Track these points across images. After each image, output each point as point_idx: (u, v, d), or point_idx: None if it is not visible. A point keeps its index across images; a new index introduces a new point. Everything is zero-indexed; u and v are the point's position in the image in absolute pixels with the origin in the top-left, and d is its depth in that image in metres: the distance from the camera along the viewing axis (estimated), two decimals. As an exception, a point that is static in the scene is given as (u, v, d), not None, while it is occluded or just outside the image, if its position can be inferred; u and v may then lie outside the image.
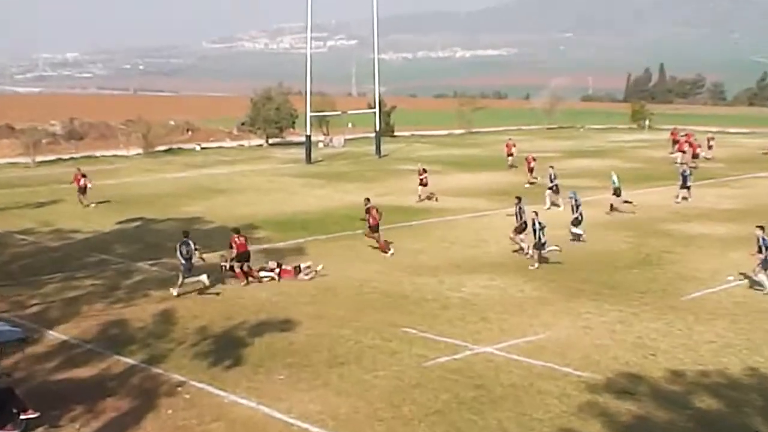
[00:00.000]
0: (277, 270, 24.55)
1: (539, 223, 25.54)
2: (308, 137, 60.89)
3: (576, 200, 29.74)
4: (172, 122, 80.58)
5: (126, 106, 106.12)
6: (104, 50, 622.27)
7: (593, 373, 16.69)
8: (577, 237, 29.29)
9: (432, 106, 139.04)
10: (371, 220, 28.43)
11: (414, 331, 19.29)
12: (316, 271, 24.77)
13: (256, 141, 76.60)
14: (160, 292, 22.86)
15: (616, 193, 35.78)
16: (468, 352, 17.87)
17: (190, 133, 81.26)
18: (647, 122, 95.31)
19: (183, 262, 22.77)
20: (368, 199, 30.41)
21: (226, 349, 18.10)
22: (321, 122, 78.98)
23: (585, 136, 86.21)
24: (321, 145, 72.83)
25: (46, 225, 33.32)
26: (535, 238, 25.72)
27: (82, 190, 38.54)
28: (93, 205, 37.88)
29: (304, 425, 14.29)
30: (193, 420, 14.54)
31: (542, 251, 25.62)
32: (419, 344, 18.39)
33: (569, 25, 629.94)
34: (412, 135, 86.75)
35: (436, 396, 15.51)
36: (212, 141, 77.75)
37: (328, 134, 79.17)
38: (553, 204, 36.15)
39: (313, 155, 60.40)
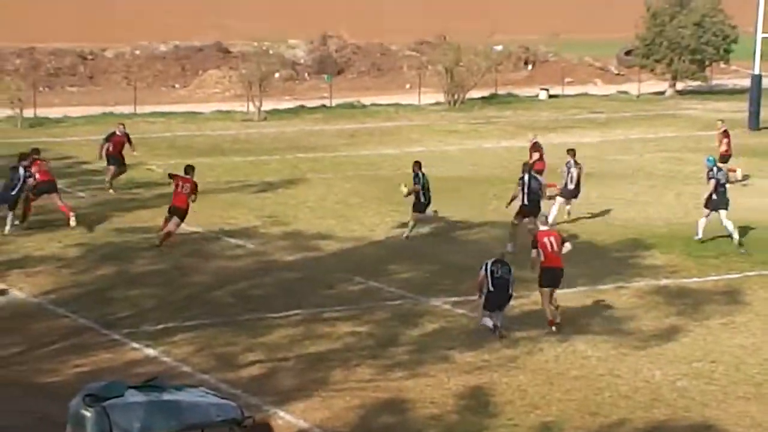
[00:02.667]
0: None
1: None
2: (757, 79, 60.17)
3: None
4: (498, 47, 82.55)
5: (416, 15, 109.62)
6: None
7: None
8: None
9: None
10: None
11: None
12: None
13: (652, 85, 76.71)
14: (471, 355, 23.55)
15: None
16: None
17: (529, 66, 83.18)
18: None
19: None
20: (192, 168, 33.00)
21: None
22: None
23: None
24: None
25: (276, 223, 35.14)
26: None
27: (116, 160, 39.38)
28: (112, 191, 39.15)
29: None
30: None
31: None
32: None
33: None
34: None
35: None
36: (570, 83, 78.94)
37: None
38: None
39: (762, 115, 59.66)
